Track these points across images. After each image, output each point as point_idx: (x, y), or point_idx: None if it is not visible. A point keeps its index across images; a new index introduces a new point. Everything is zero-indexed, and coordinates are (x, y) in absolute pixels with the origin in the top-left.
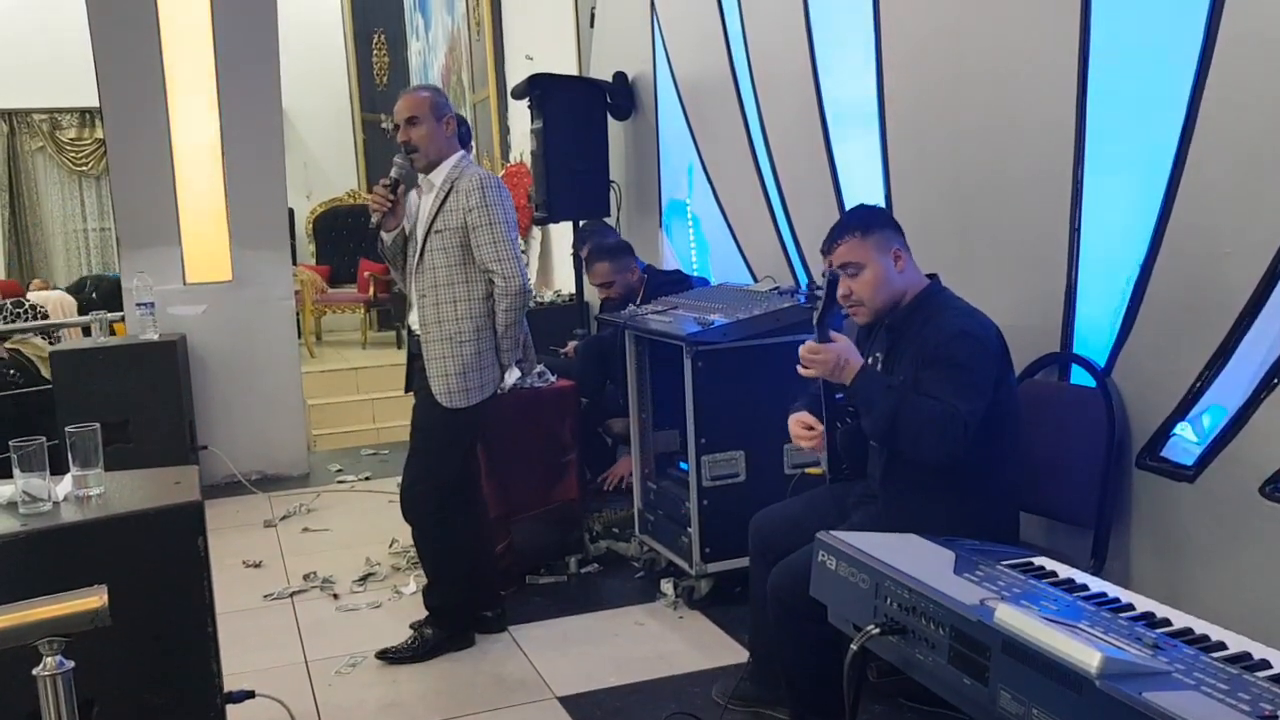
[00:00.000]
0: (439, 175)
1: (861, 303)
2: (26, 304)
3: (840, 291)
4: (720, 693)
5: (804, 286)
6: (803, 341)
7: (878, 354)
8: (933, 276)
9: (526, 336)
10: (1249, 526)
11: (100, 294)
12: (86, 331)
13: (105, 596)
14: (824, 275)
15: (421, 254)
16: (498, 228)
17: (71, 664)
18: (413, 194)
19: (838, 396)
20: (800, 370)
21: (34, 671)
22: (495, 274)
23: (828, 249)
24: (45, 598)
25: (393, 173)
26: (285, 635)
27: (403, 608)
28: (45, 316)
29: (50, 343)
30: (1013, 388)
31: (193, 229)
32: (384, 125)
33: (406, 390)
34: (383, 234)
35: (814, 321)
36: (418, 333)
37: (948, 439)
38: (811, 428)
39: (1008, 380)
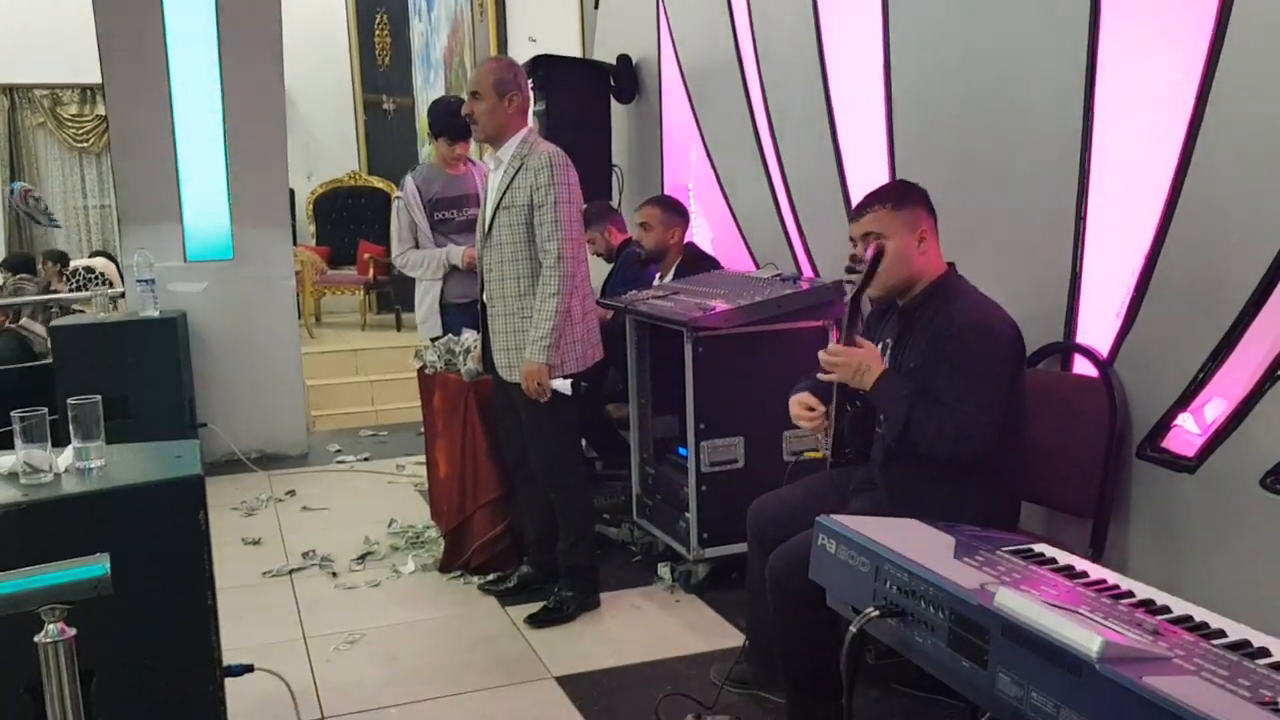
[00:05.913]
0: (506, 151)
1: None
2: (96, 271)
3: (856, 255)
4: (718, 674)
5: (807, 273)
6: (803, 328)
7: (888, 340)
8: (950, 265)
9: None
10: (1249, 518)
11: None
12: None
13: (108, 564)
14: (864, 251)
15: (490, 229)
16: (560, 208)
17: (73, 631)
18: (480, 169)
19: None
20: (819, 376)
21: (35, 638)
22: (547, 253)
23: (856, 215)
24: (48, 564)
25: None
26: (284, 612)
27: (401, 587)
28: (110, 283)
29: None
30: (1023, 383)
31: (194, 206)
32: (385, 107)
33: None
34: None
35: (846, 298)
36: None
37: (961, 446)
38: (813, 408)
39: (1019, 376)
